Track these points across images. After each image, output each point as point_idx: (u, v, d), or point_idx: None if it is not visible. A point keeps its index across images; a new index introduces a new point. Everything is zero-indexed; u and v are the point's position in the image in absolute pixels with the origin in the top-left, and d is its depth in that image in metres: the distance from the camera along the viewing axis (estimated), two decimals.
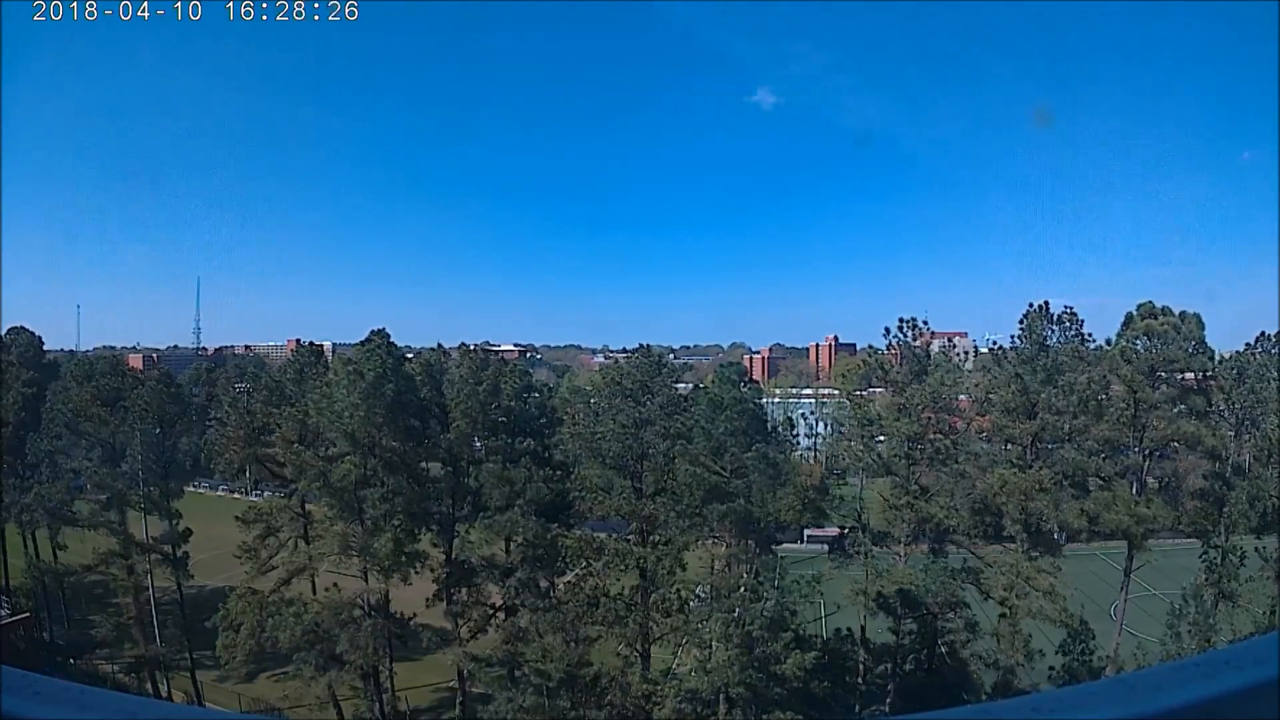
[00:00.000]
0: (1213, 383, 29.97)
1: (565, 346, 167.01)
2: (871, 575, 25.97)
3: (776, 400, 72.24)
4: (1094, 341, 29.71)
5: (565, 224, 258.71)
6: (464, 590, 27.85)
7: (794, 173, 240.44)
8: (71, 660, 32.71)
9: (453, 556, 28.03)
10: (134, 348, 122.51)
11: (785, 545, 31.26)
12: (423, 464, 28.84)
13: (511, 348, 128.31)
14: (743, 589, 24.20)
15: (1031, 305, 29.23)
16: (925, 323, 27.72)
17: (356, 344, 28.32)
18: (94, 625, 33.17)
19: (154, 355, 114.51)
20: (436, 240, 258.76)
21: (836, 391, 57.76)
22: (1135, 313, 28.82)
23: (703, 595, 25.60)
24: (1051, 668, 26.83)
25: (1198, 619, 26.28)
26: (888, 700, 26.84)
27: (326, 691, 26.09)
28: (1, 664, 1.19)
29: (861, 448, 28.15)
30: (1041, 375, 27.43)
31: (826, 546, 30.35)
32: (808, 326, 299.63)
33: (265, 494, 41.74)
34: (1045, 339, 28.72)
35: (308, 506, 28.72)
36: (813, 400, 77.24)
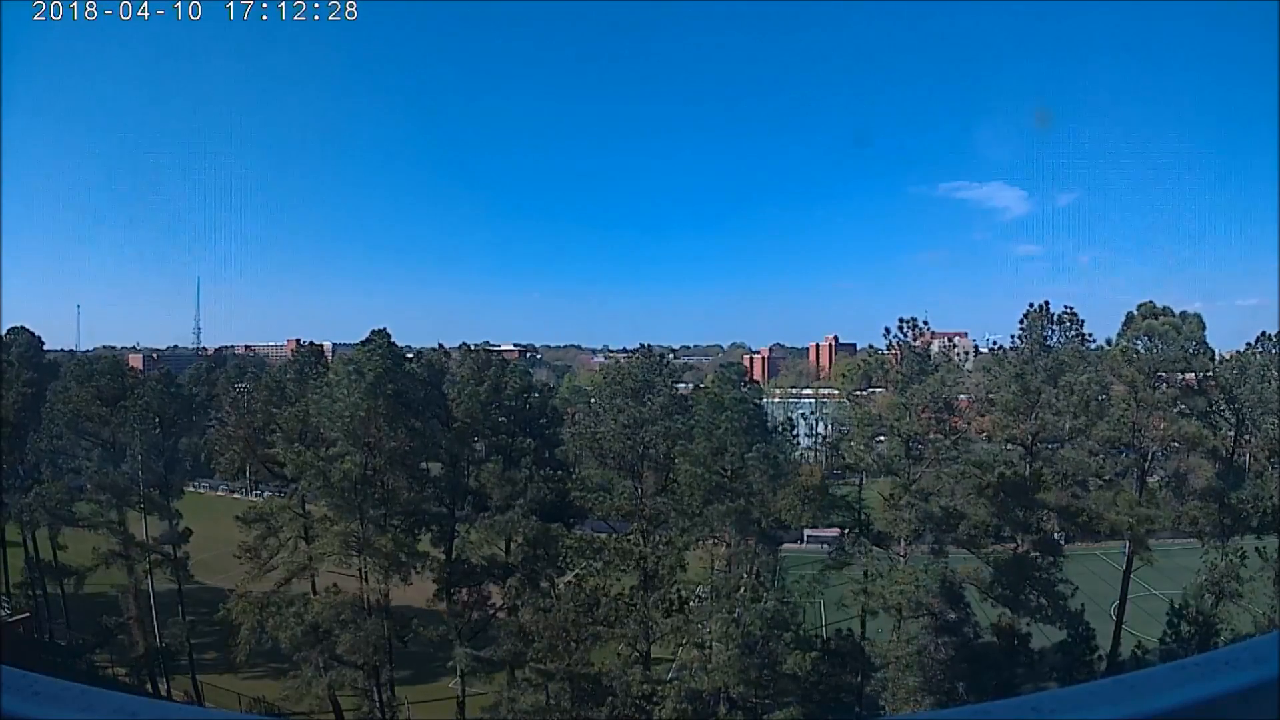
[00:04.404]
0: (1213, 383, 29.96)
1: (565, 346, 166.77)
2: (872, 575, 25.94)
3: (776, 400, 72.29)
4: (1094, 341, 29.73)
5: (565, 224, 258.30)
6: (464, 590, 27.86)
7: (794, 172, 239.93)
8: (72, 660, 32.69)
9: (453, 556, 28.04)
10: (134, 348, 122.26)
11: (785, 545, 31.20)
12: (423, 464, 28.84)
13: (511, 348, 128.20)
14: (743, 589, 24.19)
15: (1032, 305, 29.27)
16: (926, 323, 27.69)
17: (357, 344, 28.33)
18: (94, 625, 33.16)
19: (154, 355, 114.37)
20: (437, 240, 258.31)
21: (836, 391, 57.71)
22: (1136, 312, 28.81)
23: (703, 595, 25.59)
24: (1052, 668, 26.81)
25: (1198, 619, 26.27)
26: (888, 700, 26.81)
27: (326, 691, 26.09)
28: (1, 664, 1.19)
29: (862, 447, 28.11)
30: (1042, 375, 27.43)
31: (827, 546, 30.30)
32: (808, 326, 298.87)
33: (265, 494, 41.73)
34: (1046, 339, 28.72)
35: (308, 506, 28.72)
36: (813, 400, 77.24)
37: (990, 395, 29.68)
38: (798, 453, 51.63)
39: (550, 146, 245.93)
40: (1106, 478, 28.62)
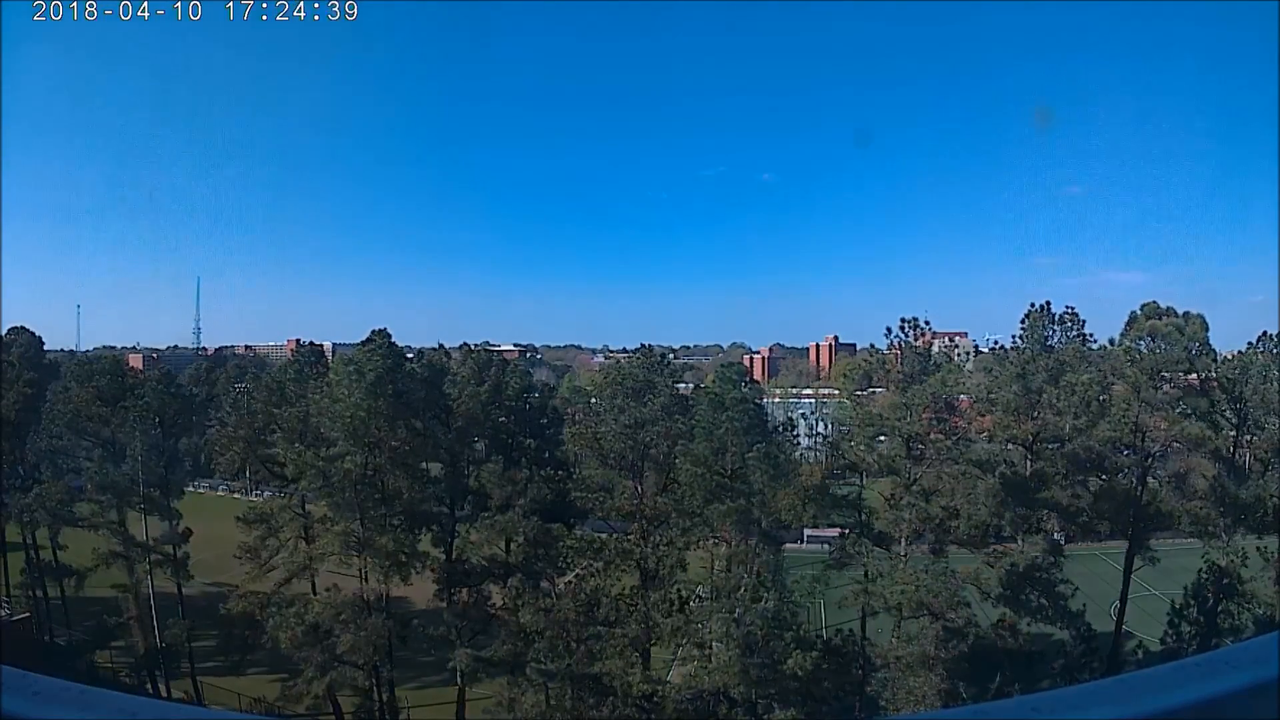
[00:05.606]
0: (1215, 383, 29.92)
1: (565, 346, 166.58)
2: (872, 575, 25.94)
3: (777, 400, 72.26)
4: (1096, 341, 29.72)
5: (565, 224, 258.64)
6: (465, 590, 27.85)
7: (795, 172, 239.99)
8: (72, 660, 32.69)
9: (454, 556, 28.04)
10: (134, 348, 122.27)
11: (786, 545, 31.20)
12: (423, 464, 28.83)
13: (511, 348, 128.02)
14: (744, 589, 24.17)
15: (1033, 305, 29.26)
16: (927, 323, 27.67)
17: (357, 344, 28.32)
18: (94, 625, 33.16)
19: (154, 355, 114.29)
20: (437, 240, 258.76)
21: (837, 391, 57.73)
22: (1139, 313, 28.79)
23: (703, 595, 25.58)
24: (1052, 667, 26.79)
25: (1198, 619, 26.25)
26: (888, 700, 26.81)
27: (326, 691, 26.08)
28: (1, 664, 1.19)
29: (862, 447, 28.11)
30: (1044, 375, 27.42)
31: (827, 546, 30.31)
32: (808, 326, 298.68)
33: (265, 494, 41.74)
34: (1047, 339, 28.70)
35: (308, 506, 28.73)
36: (813, 400, 77.17)
37: (991, 395, 29.68)
38: (798, 453, 51.61)
39: (550, 146, 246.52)
40: (1107, 478, 28.62)
